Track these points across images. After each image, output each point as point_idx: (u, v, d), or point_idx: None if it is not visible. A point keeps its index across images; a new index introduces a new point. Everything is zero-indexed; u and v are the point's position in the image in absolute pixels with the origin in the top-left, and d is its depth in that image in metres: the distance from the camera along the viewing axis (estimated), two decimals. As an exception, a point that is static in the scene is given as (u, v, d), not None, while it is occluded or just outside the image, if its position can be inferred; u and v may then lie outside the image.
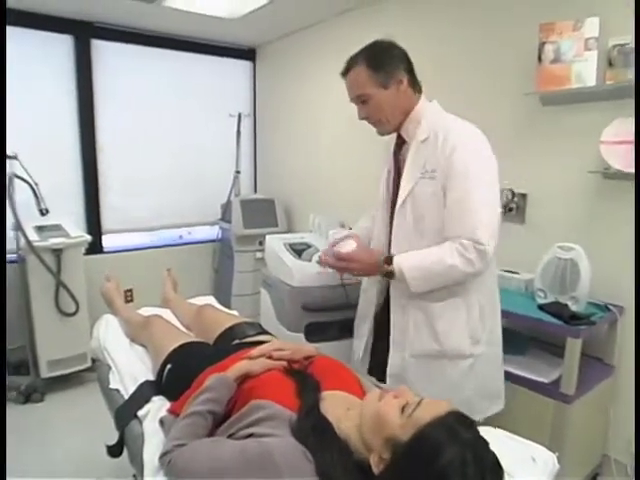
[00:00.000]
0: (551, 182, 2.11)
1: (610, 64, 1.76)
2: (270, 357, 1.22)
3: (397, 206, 1.46)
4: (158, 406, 1.31)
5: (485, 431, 1.07)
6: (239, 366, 1.17)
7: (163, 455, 1.00)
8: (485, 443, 0.84)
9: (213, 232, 3.95)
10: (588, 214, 1.98)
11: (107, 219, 3.50)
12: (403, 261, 1.39)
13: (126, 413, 1.36)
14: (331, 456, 0.89)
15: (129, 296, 3.54)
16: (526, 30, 2.03)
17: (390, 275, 1.42)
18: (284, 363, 1.20)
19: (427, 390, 1.29)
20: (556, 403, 1.72)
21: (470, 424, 0.85)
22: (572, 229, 2.03)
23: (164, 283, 2.19)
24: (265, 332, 1.63)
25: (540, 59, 1.90)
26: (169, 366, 1.42)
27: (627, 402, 1.89)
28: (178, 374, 1.36)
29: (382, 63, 1.40)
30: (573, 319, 1.72)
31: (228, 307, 3.44)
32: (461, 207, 1.33)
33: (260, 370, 1.16)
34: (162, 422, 1.21)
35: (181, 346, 1.49)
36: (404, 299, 1.46)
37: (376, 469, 0.86)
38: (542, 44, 1.89)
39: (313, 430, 0.93)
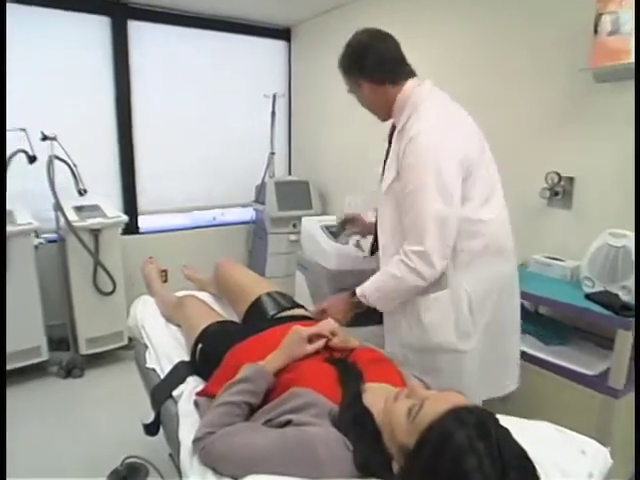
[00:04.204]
0: (602, 165, 1.99)
1: (675, 35, 1.62)
2: (320, 336, 1.17)
3: (383, 194, 1.44)
4: (192, 387, 1.31)
5: (532, 425, 1.02)
6: (278, 357, 1.13)
7: (196, 441, 0.99)
8: (488, 417, 0.79)
9: (246, 214, 3.95)
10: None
11: (143, 200, 3.53)
12: (364, 288, 1.43)
13: (162, 393, 1.36)
14: (370, 448, 0.86)
15: (164, 277, 3.57)
16: (580, 0, 1.90)
17: (360, 305, 1.44)
18: (322, 344, 1.16)
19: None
20: (603, 397, 1.64)
21: (471, 411, 0.79)
22: (624, 215, 1.90)
23: (190, 276, 2.20)
24: (295, 305, 1.60)
25: (596, 31, 1.77)
26: (200, 345, 1.42)
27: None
28: (209, 353, 1.36)
29: (347, 68, 1.46)
30: (624, 310, 1.62)
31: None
32: (406, 216, 1.33)
33: (301, 356, 1.13)
34: (197, 404, 1.21)
35: (212, 325, 1.48)
36: None
37: (397, 475, 0.83)
38: (599, 15, 1.76)
39: (354, 420, 0.90)
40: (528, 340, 1.93)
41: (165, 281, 3.62)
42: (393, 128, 1.49)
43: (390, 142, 1.48)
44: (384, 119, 1.51)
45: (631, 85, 1.84)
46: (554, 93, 2.12)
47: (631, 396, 1.66)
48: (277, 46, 3.94)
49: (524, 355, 1.86)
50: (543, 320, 2.06)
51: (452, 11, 2.56)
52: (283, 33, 3.92)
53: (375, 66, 1.39)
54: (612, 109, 1.92)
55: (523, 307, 2.11)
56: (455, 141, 1.32)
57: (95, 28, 3.16)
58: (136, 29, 3.31)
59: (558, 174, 2.10)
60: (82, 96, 3.18)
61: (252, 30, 3.76)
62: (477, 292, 1.39)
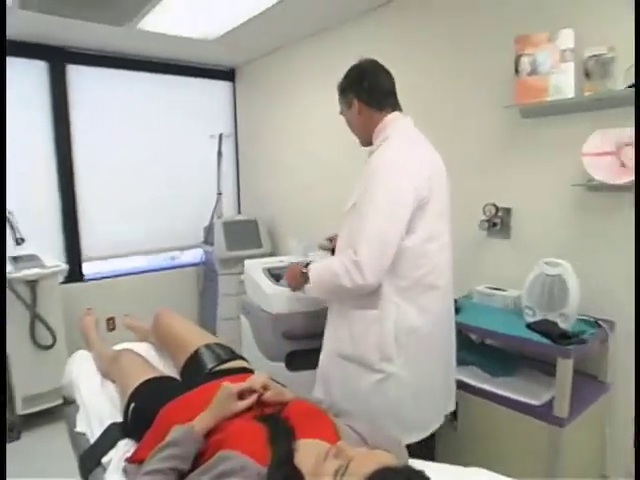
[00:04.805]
0: (535, 196, 2.06)
1: (587, 75, 1.72)
2: (252, 391, 1.14)
3: (345, 214, 1.53)
4: (123, 452, 1.23)
5: (467, 473, 1.00)
6: (208, 417, 1.08)
7: None
8: (417, 477, 0.79)
9: (198, 255, 3.87)
10: (573, 227, 1.93)
11: (87, 246, 3.40)
12: (313, 268, 1.53)
13: (90, 460, 1.27)
14: None
15: (111, 324, 3.44)
16: (504, 43, 2.00)
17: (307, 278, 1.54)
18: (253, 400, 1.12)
19: (342, 393, 1.51)
20: (550, 427, 1.65)
21: (398, 472, 0.79)
22: (558, 243, 1.97)
23: (131, 326, 2.13)
24: (236, 357, 1.56)
25: (517, 71, 1.87)
26: (133, 405, 1.34)
27: (624, 419, 1.82)
28: (142, 412, 1.28)
29: (343, 86, 1.59)
30: (562, 338, 1.65)
31: (213, 332, 3.37)
32: (357, 223, 1.41)
33: (232, 414, 1.08)
34: (125, 471, 1.13)
35: (146, 382, 1.41)
36: (336, 303, 1.57)
37: None
38: (518, 56, 1.85)
39: None
40: (474, 372, 1.93)
41: (113, 329, 3.48)
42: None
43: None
44: (365, 144, 1.61)
45: (553, 120, 1.94)
46: (488, 129, 2.20)
47: (576, 422, 1.67)
48: (222, 86, 3.96)
49: (471, 388, 1.86)
50: (490, 351, 2.07)
51: (389, 52, 2.65)
52: (227, 74, 3.95)
53: (367, 90, 1.54)
54: (539, 143, 2.01)
55: (469, 339, 2.13)
56: (414, 174, 1.42)
57: (32, 73, 3.10)
58: (76, 73, 3.26)
59: (495, 205, 2.16)
60: (18, 142, 3.06)
61: (196, 72, 3.77)
62: (406, 322, 1.44)
